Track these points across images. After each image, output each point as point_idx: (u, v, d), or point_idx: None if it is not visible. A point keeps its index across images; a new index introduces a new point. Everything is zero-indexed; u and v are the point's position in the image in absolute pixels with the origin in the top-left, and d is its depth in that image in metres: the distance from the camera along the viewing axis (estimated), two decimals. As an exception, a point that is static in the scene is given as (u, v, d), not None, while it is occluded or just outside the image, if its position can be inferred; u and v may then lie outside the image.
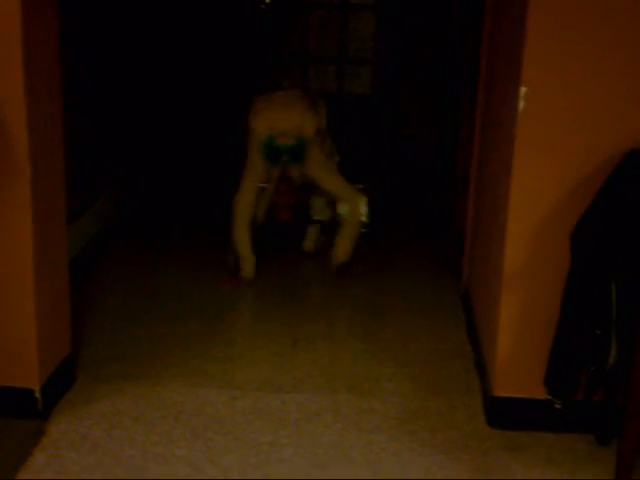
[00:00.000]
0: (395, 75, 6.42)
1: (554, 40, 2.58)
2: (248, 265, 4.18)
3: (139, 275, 4.25)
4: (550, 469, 2.66)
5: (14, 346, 2.78)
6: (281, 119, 4.06)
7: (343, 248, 4.24)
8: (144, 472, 2.55)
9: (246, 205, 4.17)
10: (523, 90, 2.63)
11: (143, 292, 4.02)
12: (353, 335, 3.65)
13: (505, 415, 2.87)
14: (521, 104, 2.64)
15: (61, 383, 2.98)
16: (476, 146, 3.88)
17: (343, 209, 4.34)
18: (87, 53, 4.54)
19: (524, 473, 2.63)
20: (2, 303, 2.75)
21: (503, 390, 2.86)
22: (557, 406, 2.70)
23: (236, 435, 2.78)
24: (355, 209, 4.25)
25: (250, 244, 4.18)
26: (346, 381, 3.21)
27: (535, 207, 2.71)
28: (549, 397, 2.71)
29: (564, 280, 2.62)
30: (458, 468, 2.65)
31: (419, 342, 3.57)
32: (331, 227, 4.57)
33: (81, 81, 4.45)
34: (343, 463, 2.65)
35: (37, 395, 2.81)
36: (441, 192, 5.30)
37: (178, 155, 5.96)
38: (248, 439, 2.76)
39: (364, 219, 4.39)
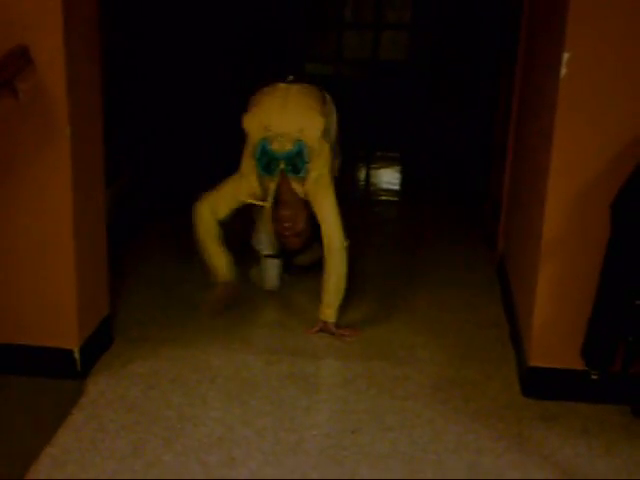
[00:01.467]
0: (432, 41, 6.35)
1: (599, 4, 2.53)
2: (221, 269, 3.40)
3: (174, 245, 4.27)
4: (585, 440, 2.65)
5: (54, 308, 2.82)
6: (278, 118, 3.17)
7: (329, 304, 3.25)
8: (180, 432, 2.58)
9: (213, 217, 3.31)
10: (566, 56, 2.58)
11: (179, 259, 4.04)
12: (387, 304, 3.64)
13: (540, 385, 2.86)
14: (563, 71, 2.59)
15: (99, 344, 3.03)
16: (514, 114, 3.83)
17: (325, 246, 3.26)
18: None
19: (559, 443, 2.62)
20: (43, 265, 2.79)
21: (539, 360, 2.85)
22: (593, 377, 2.69)
23: (271, 399, 2.81)
24: (336, 258, 3.21)
25: (222, 251, 3.38)
26: (380, 349, 3.21)
27: (576, 176, 2.68)
28: (586, 368, 2.69)
29: (603, 250, 2.59)
30: (492, 436, 2.65)
31: (454, 312, 3.56)
32: None
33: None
34: (377, 429, 2.67)
35: (76, 356, 2.86)
36: (477, 161, 5.26)
37: (192, 144, 5.84)
38: (283, 403, 2.78)
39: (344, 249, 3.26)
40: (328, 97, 3.44)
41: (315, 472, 2.43)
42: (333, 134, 3.41)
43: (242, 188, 3.28)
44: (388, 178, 5.80)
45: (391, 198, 5.37)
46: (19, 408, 2.71)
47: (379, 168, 6.02)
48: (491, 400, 2.86)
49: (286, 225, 3.24)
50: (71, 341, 2.85)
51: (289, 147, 3.13)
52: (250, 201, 3.28)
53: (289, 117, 3.17)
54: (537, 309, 2.80)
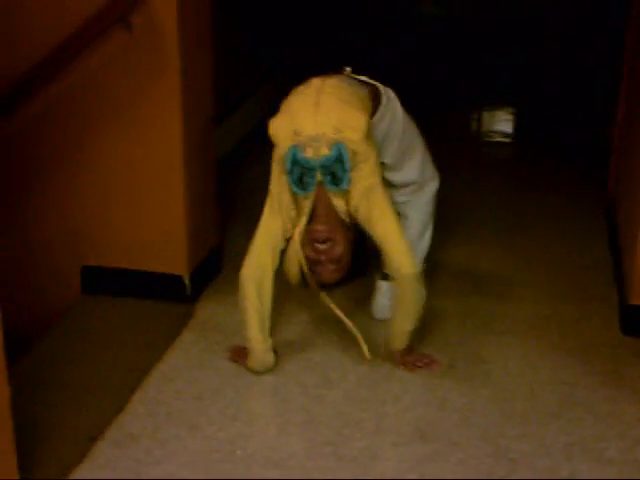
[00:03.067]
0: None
1: None
2: (256, 357, 2.65)
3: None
4: (683, 378, 2.63)
5: (166, 235, 2.99)
6: (309, 119, 2.45)
7: (399, 333, 2.63)
8: (280, 356, 2.70)
9: (261, 271, 2.60)
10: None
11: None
12: (488, 241, 3.62)
13: (640, 324, 2.85)
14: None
15: (208, 272, 3.19)
16: (628, 53, 3.72)
17: (391, 274, 2.64)
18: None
19: (656, 380, 2.62)
20: (155, 194, 2.95)
21: (639, 299, 2.82)
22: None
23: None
24: (409, 287, 2.54)
25: (267, 326, 2.64)
26: (479, 286, 3.24)
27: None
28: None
29: None
30: (586, 371, 2.67)
31: (558, 252, 3.54)
32: None
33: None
34: (472, 361, 2.73)
35: (186, 281, 3.03)
36: (590, 101, 5.13)
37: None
38: (377, 329, 2.85)
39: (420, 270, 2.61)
40: (388, 97, 2.70)
41: (407, 396, 2.52)
42: (396, 146, 2.71)
43: (274, 218, 2.55)
44: (501, 119, 5.72)
45: (504, 140, 5.31)
46: (134, 328, 2.91)
47: (492, 110, 5.94)
48: (588, 337, 2.87)
49: (321, 247, 2.48)
50: (182, 268, 3.02)
51: (325, 152, 2.42)
52: (284, 232, 2.56)
53: (322, 116, 2.44)
54: (639, 246, 2.76)
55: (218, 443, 2.34)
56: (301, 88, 2.58)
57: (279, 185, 2.52)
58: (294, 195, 2.50)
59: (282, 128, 2.48)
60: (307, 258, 2.51)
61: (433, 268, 3.31)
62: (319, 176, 2.44)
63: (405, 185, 2.83)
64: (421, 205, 2.90)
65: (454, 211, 3.88)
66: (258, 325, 2.61)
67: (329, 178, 2.44)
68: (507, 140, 5.19)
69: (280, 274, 2.62)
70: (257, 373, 2.64)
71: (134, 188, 2.95)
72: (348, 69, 2.70)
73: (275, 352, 2.66)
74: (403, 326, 2.60)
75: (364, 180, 2.47)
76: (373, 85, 2.67)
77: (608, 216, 3.82)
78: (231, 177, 4.18)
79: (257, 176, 4.29)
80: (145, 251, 3.01)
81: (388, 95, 2.69)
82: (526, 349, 2.80)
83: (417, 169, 2.82)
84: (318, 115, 2.45)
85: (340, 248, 2.48)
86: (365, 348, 2.66)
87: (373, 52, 5.89)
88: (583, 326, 2.94)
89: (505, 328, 2.92)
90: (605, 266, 3.38)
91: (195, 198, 3.02)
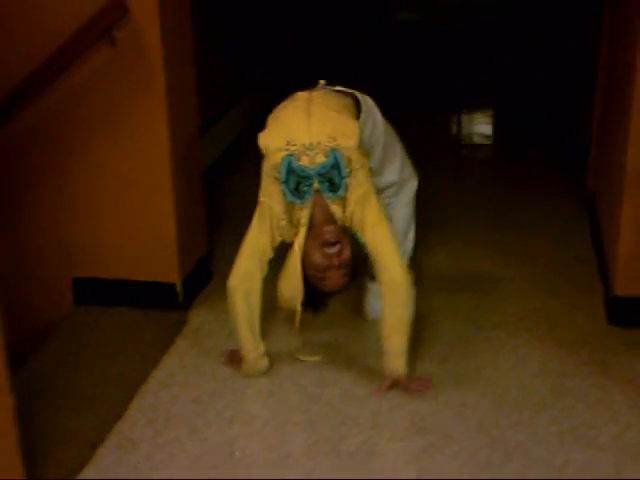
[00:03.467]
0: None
1: None
2: (249, 363, 2.69)
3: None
4: (669, 365, 2.69)
5: (158, 245, 3.02)
6: (302, 128, 2.47)
7: (397, 354, 2.54)
8: (274, 360, 2.74)
9: (248, 281, 2.61)
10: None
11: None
12: (473, 239, 3.68)
13: (625, 314, 2.91)
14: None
15: (199, 280, 3.22)
16: (604, 50, 3.80)
17: (381, 280, 2.56)
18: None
19: (643, 368, 2.68)
20: (145, 206, 2.99)
21: (624, 289, 2.89)
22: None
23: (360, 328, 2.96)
24: (401, 295, 2.53)
25: (258, 333, 2.67)
26: (465, 282, 3.30)
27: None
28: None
29: (688, 177, 2.60)
30: (575, 362, 2.72)
31: (541, 247, 3.60)
32: None
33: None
34: (463, 356, 2.78)
35: (178, 289, 3.06)
36: (567, 100, 5.21)
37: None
38: (369, 329, 2.89)
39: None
40: (367, 105, 2.70)
41: (401, 392, 2.56)
42: (379, 151, 2.74)
43: (266, 234, 2.54)
44: (481, 121, 5.80)
45: (484, 142, 5.38)
46: (128, 337, 2.94)
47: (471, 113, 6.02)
48: (576, 329, 2.93)
49: (331, 250, 2.44)
50: (173, 276, 3.05)
51: (322, 159, 2.44)
52: (275, 243, 2.56)
53: (316, 125, 2.47)
54: (622, 237, 2.83)
55: (217, 445, 2.38)
56: (287, 102, 2.60)
57: (269, 195, 2.51)
58: (288, 206, 2.50)
59: (273, 140, 2.48)
60: (315, 267, 2.46)
61: (419, 267, 3.37)
62: (316, 184, 2.45)
63: (387, 187, 2.87)
64: (402, 205, 2.94)
65: (437, 211, 3.94)
66: (249, 334, 2.63)
67: (327, 185, 2.45)
68: (487, 142, 5.26)
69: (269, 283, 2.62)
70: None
71: (124, 199, 2.98)
72: (322, 82, 2.72)
73: (268, 356, 2.70)
74: (401, 345, 2.53)
75: (360, 186, 2.49)
76: (351, 94, 2.69)
77: (589, 211, 3.88)
78: (213, 189, 4.22)
79: (238, 188, 4.37)
80: (137, 261, 3.05)
81: (367, 102, 2.71)
82: (516, 342, 2.85)
83: (397, 171, 2.86)
84: (312, 124, 2.47)
85: (348, 251, 2.47)
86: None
87: (352, 60, 5.97)
88: (571, 318, 3.00)
89: (494, 322, 2.98)
90: (588, 259, 3.45)
91: (184, 207, 3.06)
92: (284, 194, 2.47)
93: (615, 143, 3.15)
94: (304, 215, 2.47)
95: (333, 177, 2.44)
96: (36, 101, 2.80)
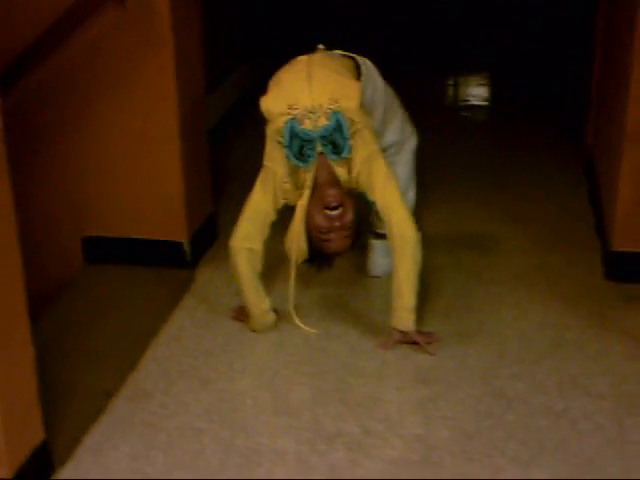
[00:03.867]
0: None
1: None
2: (256, 319, 2.75)
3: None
4: (665, 317, 2.78)
5: (165, 204, 3.08)
6: (304, 92, 2.49)
7: (407, 308, 2.59)
8: (281, 314, 2.80)
9: (249, 242, 2.63)
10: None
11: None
12: (473, 200, 3.75)
13: (623, 269, 2.98)
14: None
15: (205, 239, 3.28)
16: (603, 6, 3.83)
17: (391, 239, 2.60)
18: None
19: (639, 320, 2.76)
20: (153, 165, 3.04)
21: (622, 245, 2.96)
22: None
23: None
24: (412, 250, 2.58)
25: (262, 289, 2.71)
26: (467, 241, 3.37)
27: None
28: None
29: (686, 134, 2.65)
30: (574, 315, 2.80)
31: (540, 206, 3.66)
32: None
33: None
34: (465, 310, 2.86)
35: (185, 248, 3.13)
36: (567, 60, 5.24)
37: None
38: (374, 286, 3.00)
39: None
40: (367, 67, 2.73)
41: (406, 345, 2.64)
42: (380, 113, 2.76)
43: (267, 190, 2.58)
44: (479, 82, 5.82)
45: (481, 103, 5.41)
46: (139, 294, 3.01)
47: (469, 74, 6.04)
48: (575, 284, 3.01)
49: (333, 213, 2.46)
50: (181, 234, 3.11)
51: (324, 122, 2.46)
52: (277, 206, 2.60)
53: (317, 88, 2.49)
54: (620, 194, 2.90)
55: (229, 395, 2.46)
56: (288, 66, 2.62)
57: (273, 159, 2.54)
58: (292, 169, 2.52)
59: (275, 104, 2.49)
60: (318, 229, 2.49)
61: (420, 225, 3.41)
62: (319, 147, 2.47)
63: (388, 147, 2.91)
64: (403, 164, 2.98)
65: (435, 171, 3.96)
66: (252, 290, 2.68)
67: (330, 148, 2.47)
68: (485, 103, 5.30)
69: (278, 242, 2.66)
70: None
71: (132, 159, 3.03)
72: (321, 46, 2.74)
73: (275, 311, 2.76)
74: (411, 300, 2.57)
75: (364, 147, 2.51)
76: (351, 57, 2.72)
77: (587, 169, 3.94)
78: (216, 150, 4.26)
79: (240, 151, 4.42)
80: (145, 220, 3.11)
81: (366, 65, 2.74)
82: (517, 297, 2.93)
83: (398, 130, 2.89)
84: (313, 87, 2.49)
85: (351, 214, 2.48)
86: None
87: (349, 24, 5.97)
88: (569, 273, 3.08)
89: (496, 278, 3.06)
90: (586, 216, 3.52)
91: (191, 167, 3.11)
92: (287, 157, 2.50)
93: (614, 103, 3.20)
94: (308, 178, 2.51)
95: (336, 139, 2.47)
96: (45, 61, 2.84)
